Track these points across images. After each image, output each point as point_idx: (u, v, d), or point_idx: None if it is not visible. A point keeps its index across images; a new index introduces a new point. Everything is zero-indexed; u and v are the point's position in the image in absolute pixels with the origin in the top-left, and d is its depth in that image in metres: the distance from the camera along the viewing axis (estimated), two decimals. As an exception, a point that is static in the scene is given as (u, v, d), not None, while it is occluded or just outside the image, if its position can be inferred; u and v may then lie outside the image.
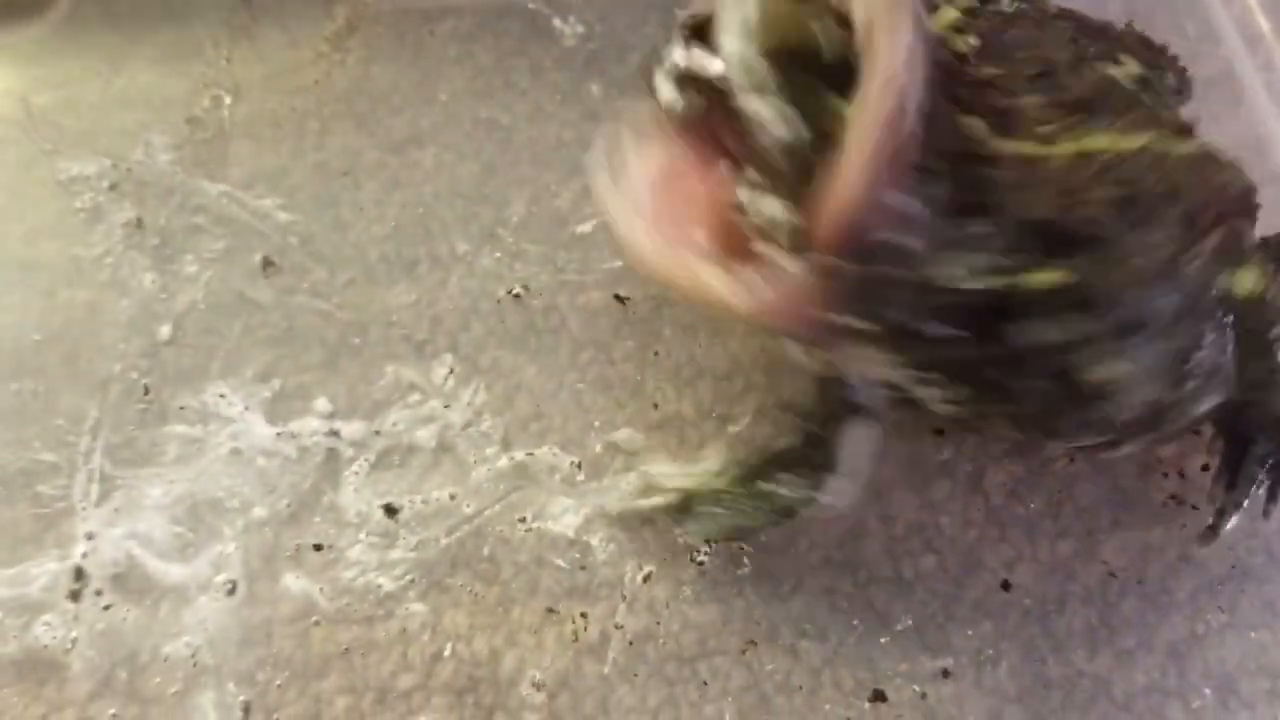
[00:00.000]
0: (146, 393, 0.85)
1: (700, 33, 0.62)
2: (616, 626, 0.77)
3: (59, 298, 0.89)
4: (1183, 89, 0.85)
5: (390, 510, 0.81)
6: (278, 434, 0.83)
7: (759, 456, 0.77)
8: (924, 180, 0.60)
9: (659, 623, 0.78)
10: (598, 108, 0.99)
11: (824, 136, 0.58)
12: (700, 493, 0.76)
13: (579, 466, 0.83)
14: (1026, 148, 0.66)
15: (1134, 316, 0.67)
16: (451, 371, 0.86)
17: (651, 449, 0.83)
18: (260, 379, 0.85)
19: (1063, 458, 0.84)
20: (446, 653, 0.76)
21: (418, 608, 0.78)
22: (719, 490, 0.75)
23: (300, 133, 0.97)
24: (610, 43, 0.91)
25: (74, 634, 0.76)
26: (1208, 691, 0.77)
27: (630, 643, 0.77)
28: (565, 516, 0.81)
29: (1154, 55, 0.84)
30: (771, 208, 0.60)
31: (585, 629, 0.77)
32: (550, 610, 0.78)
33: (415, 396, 0.85)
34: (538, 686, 0.75)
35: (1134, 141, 0.69)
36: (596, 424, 0.84)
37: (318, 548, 0.79)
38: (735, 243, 0.61)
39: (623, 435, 0.83)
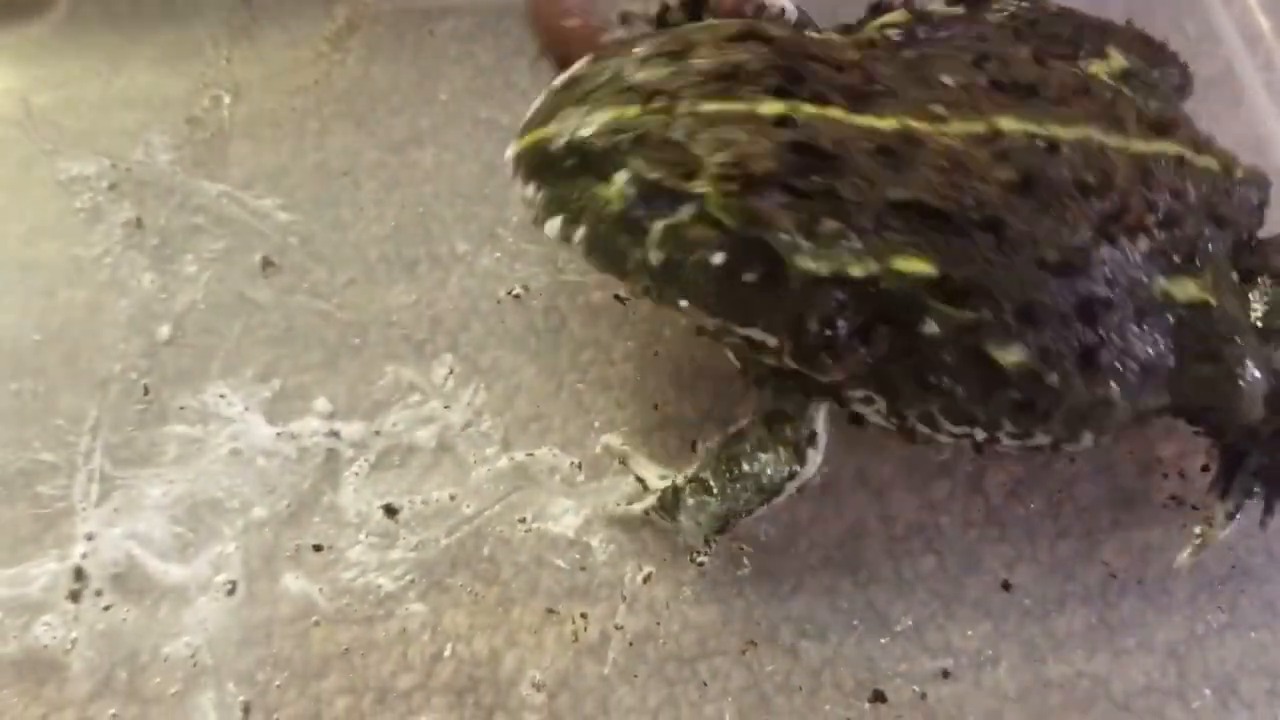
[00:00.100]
0: (146, 393, 0.84)
1: None
2: (616, 627, 0.77)
3: (59, 298, 0.89)
4: (1185, 84, 0.85)
5: (390, 510, 0.81)
6: (278, 434, 0.83)
7: (734, 442, 0.76)
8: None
9: (659, 623, 0.78)
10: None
11: None
12: (688, 483, 0.76)
13: (579, 467, 0.83)
14: (890, 122, 0.67)
15: (1025, 306, 0.67)
16: (451, 372, 0.86)
17: (641, 451, 0.83)
18: (260, 379, 0.85)
19: (1063, 458, 0.84)
20: (446, 653, 0.76)
21: (418, 608, 0.78)
22: (705, 478, 0.75)
23: (300, 133, 0.97)
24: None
25: (74, 634, 0.76)
26: (1207, 691, 0.77)
27: (630, 643, 0.77)
28: (565, 517, 0.81)
29: (1153, 52, 0.84)
30: None
31: (585, 629, 0.77)
32: (550, 610, 0.78)
33: (415, 397, 0.85)
34: (538, 687, 0.75)
35: (1071, 130, 0.69)
36: (596, 424, 0.84)
37: (317, 548, 0.79)
38: None
39: (610, 439, 0.83)
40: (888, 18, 0.79)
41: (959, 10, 0.82)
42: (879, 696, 0.76)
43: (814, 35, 0.75)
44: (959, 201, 0.65)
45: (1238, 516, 0.76)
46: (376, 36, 1.03)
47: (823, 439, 0.74)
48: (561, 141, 0.67)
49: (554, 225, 0.69)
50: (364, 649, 0.76)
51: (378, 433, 0.84)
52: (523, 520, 0.81)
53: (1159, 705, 0.76)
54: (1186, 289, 0.70)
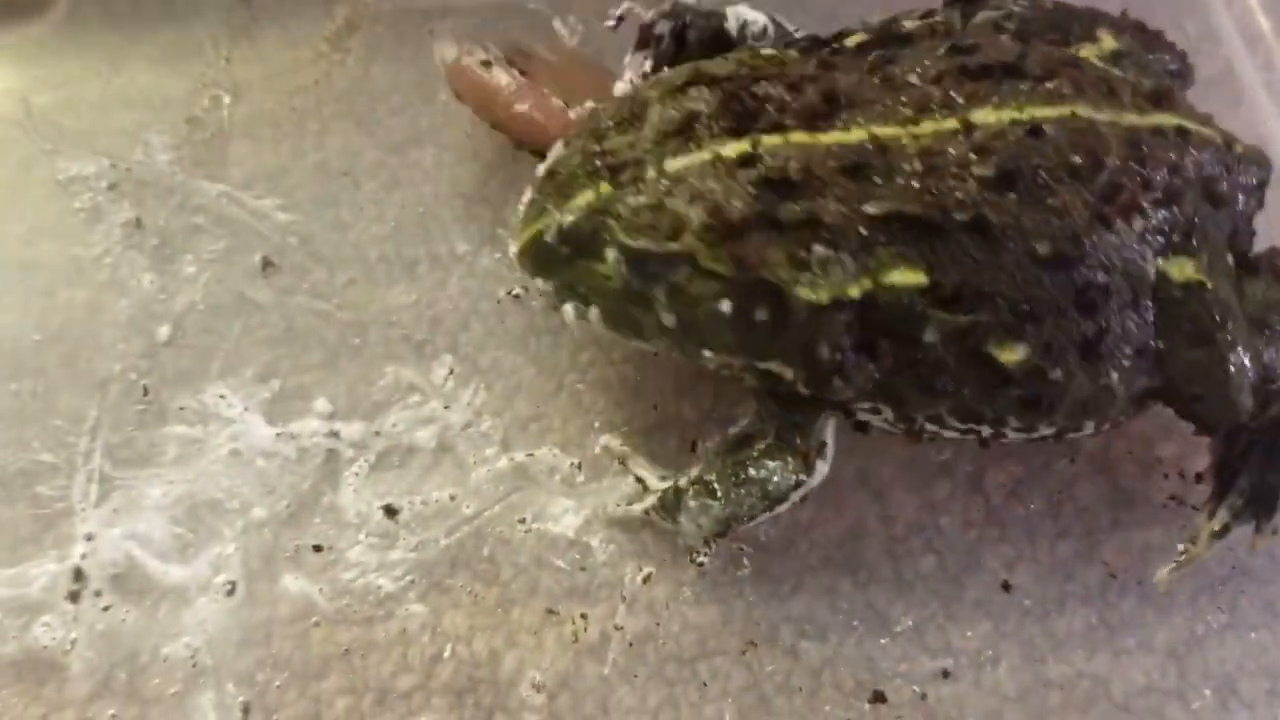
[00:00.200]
0: (146, 393, 0.84)
1: None
2: (616, 627, 0.77)
3: (58, 298, 0.88)
4: (1184, 73, 0.83)
5: (390, 511, 0.81)
6: (277, 435, 0.83)
7: (741, 446, 0.76)
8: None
9: (659, 623, 0.78)
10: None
11: None
12: (691, 485, 0.76)
13: (579, 467, 0.83)
14: (857, 135, 0.66)
15: (1022, 302, 0.66)
16: (451, 372, 0.86)
17: (640, 451, 0.83)
18: (260, 379, 0.85)
19: (1063, 458, 0.84)
20: (446, 653, 0.76)
21: (417, 609, 0.78)
22: (710, 480, 0.75)
23: (300, 133, 0.97)
24: (610, 42, 0.91)
25: (73, 635, 0.76)
26: (1207, 692, 0.77)
27: (630, 644, 0.77)
28: (565, 517, 0.81)
29: (1148, 38, 0.82)
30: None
31: (585, 630, 0.77)
32: (550, 611, 0.78)
33: (415, 397, 0.85)
34: (538, 687, 0.75)
35: (1055, 109, 0.68)
36: (596, 424, 0.84)
37: (317, 548, 0.79)
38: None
39: (608, 440, 0.83)
40: (852, 39, 0.78)
41: (920, 22, 0.80)
42: (879, 697, 0.76)
43: (766, 54, 0.74)
44: (940, 206, 0.65)
45: (1224, 538, 0.76)
46: (376, 36, 1.03)
47: (831, 450, 0.74)
48: (552, 233, 0.68)
49: (569, 311, 0.71)
50: (364, 650, 0.76)
51: (378, 433, 0.84)
52: (522, 521, 0.81)
53: (1159, 706, 0.76)
54: (1184, 269, 0.69)
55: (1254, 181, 0.75)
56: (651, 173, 0.66)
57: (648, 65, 0.82)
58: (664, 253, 0.65)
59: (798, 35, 0.84)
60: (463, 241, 0.92)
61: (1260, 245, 0.78)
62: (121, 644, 0.76)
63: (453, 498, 0.81)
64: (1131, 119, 0.69)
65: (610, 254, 0.67)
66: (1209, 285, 0.69)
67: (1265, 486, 0.75)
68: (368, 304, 0.89)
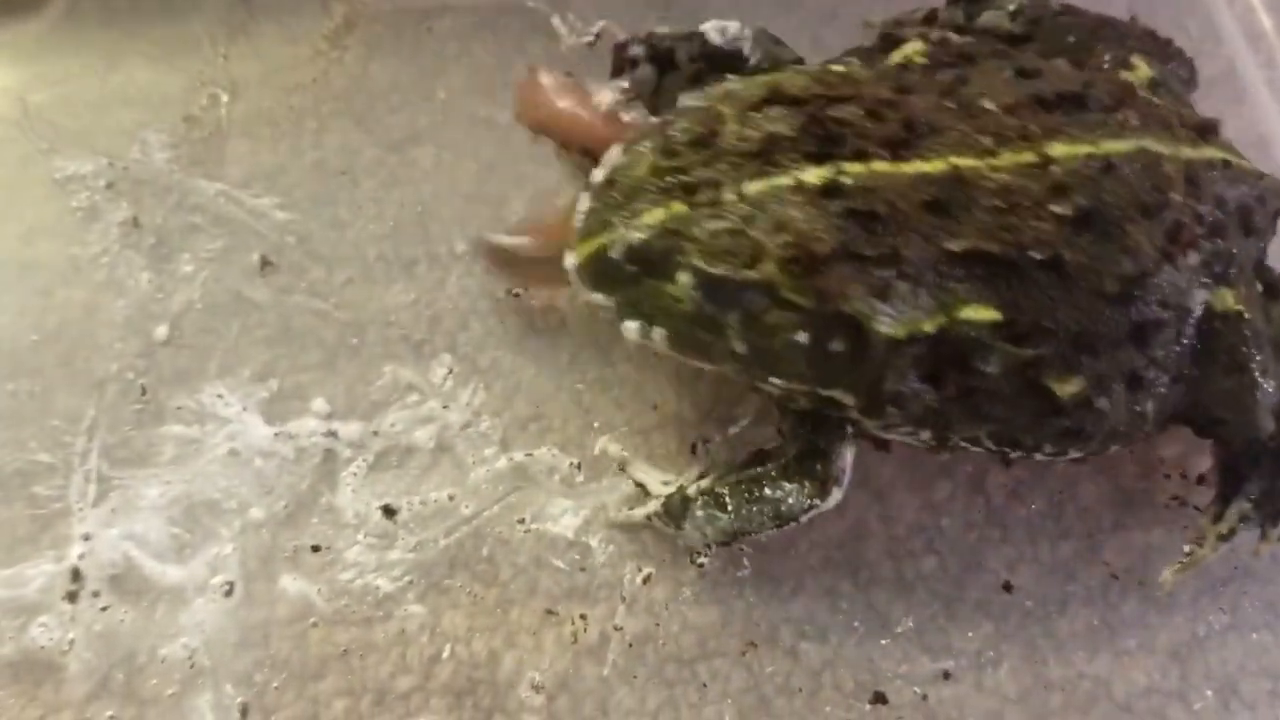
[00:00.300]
0: (143, 393, 0.84)
1: None
2: (616, 628, 0.77)
3: (56, 297, 0.88)
4: (1191, 79, 0.84)
5: (388, 511, 0.80)
6: (275, 434, 0.83)
7: (757, 462, 0.76)
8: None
9: (658, 624, 0.77)
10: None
11: None
12: (700, 495, 0.76)
13: (578, 467, 0.82)
14: (938, 165, 0.65)
15: (1082, 336, 0.66)
16: (450, 372, 0.86)
17: (640, 451, 0.82)
18: (258, 379, 0.85)
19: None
20: (445, 654, 0.76)
21: (416, 609, 0.77)
22: (722, 494, 0.75)
23: (298, 131, 0.97)
24: (610, 41, 0.91)
25: (71, 635, 0.75)
26: (1209, 693, 0.77)
27: (630, 644, 0.77)
28: (564, 518, 0.80)
29: (1160, 47, 0.83)
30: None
31: (584, 630, 0.77)
32: (549, 612, 0.78)
33: (414, 397, 0.85)
34: (537, 688, 0.75)
35: (1125, 143, 0.68)
36: (596, 424, 0.84)
37: (315, 549, 0.79)
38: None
39: (607, 444, 0.82)
40: (907, 50, 0.76)
41: (970, 40, 0.80)
42: (880, 698, 0.76)
43: (837, 70, 0.72)
44: (1017, 243, 0.64)
45: (1230, 541, 0.76)
46: (375, 34, 1.03)
47: (847, 477, 0.73)
48: (618, 249, 0.66)
49: (631, 329, 0.68)
50: (362, 650, 0.76)
51: (376, 433, 0.83)
52: (522, 521, 0.80)
53: (1160, 706, 0.76)
54: (1225, 300, 0.70)
55: (1273, 209, 0.76)
56: (730, 195, 0.64)
57: (624, 84, 0.81)
58: (741, 280, 0.63)
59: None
60: (462, 241, 0.92)
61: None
62: (119, 645, 0.75)
63: (451, 498, 0.81)
64: (1188, 152, 0.70)
65: (683, 277, 0.65)
66: (1246, 315, 0.70)
67: (1274, 493, 0.75)
68: (366, 303, 0.89)
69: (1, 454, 0.81)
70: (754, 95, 0.68)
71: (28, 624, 0.75)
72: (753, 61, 0.84)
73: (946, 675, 0.77)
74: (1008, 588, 0.80)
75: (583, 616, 0.77)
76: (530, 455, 0.83)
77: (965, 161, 0.65)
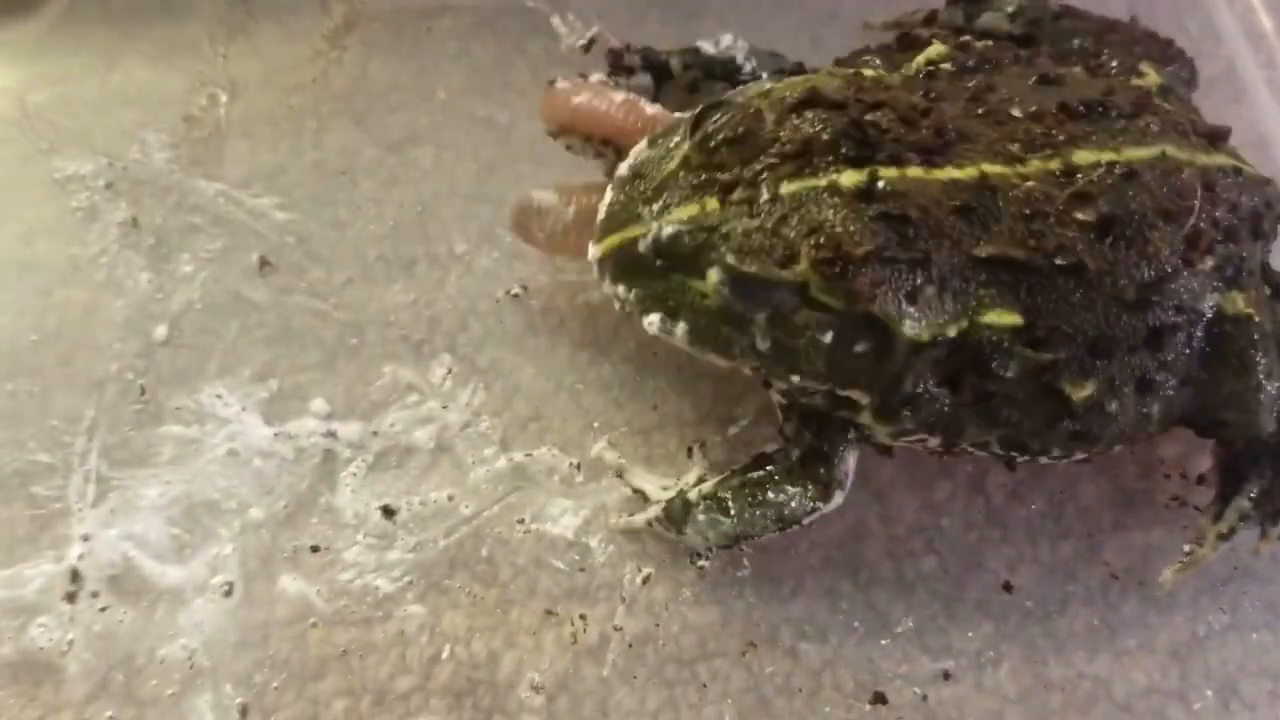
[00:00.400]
0: (142, 393, 0.84)
1: None
2: (616, 628, 0.77)
3: (55, 297, 0.88)
4: (1191, 79, 0.84)
5: (388, 511, 0.80)
6: (275, 435, 0.83)
7: (759, 465, 0.76)
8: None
9: (658, 625, 0.77)
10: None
11: None
12: (702, 500, 0.76)
13: (578, 468, 0.82)
14: (969, 172, 0.65)
15: (1098, 340, 0.67)
16: (450, 372, 0.86)
17: (639, 452, 0.82)
18: (257, 379, 0.85)
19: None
20: (445, 654, 0.76)
21: (416, 609, 0.77)
22: (724, 498, 0.75)
23: (297, 131, 0.97)
24: (604, 46, 0.91)
25: (70, 636, 0.75)
26: (1209, 693, 0.77)
27: (629, 645, 0.77)
28: (564, 518, 0.80)
29: (1161, 48, 0.84)
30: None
31: (584, 631, 0.77)
32: (549, 612, 0.77)
33: (413, 397, 0.85)
34: (536, 689, 0.75)
35: (1147, 150, 0.68)
36: (595, 425, 0.84)
37: (315, 549, 0.79)
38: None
39: (606, 452, 0.82)
40: (931, 54, 0.76)
41: (989, 43, 0.80)
42: (879, 698, 0.76)
43: (870, 75, 0.72)
44: (1041, 250, 0.65)
45: (1230, 540, 0.76)
46: (374, 34, 1.03)
47: (850, 480, 0.74)
48: (647, 243, 0.66)
49: (652, 321, 0.69)
50: (362, 650, 0.76)
51: (375, 433, 0.83)
52: (521, 521, 0.80)
53: (1160, 707, 0.76)
54: (1235, 304, 0.70)
55: (1277, 213, 0.76)
56: (765, 195, 0.64)
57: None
58: (774, 279, 0.64)
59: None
60: (461, 241, 0.92)
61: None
62: (118, 645, 0.75)
63: (451, 498, 0.81)
64: (1203, 159, 0.70)
65: (713, 273, 0.65)
66: (1256, 318, 0.70)
67: (1274, 492, 0.75)
68: (365, 303, 0.89)
69: (1, 454, 0.81)
70: (792, 95, 0.68)
71: (27, 624, 0.75)
72: (748, 69, 0.85)
73: (946, 675, 0.77)
74: (1008, 588, 0.79)
75: (582, 617, 0.77)
76: (530, 455, 0.83)
77: (994, 168, 0.66)
